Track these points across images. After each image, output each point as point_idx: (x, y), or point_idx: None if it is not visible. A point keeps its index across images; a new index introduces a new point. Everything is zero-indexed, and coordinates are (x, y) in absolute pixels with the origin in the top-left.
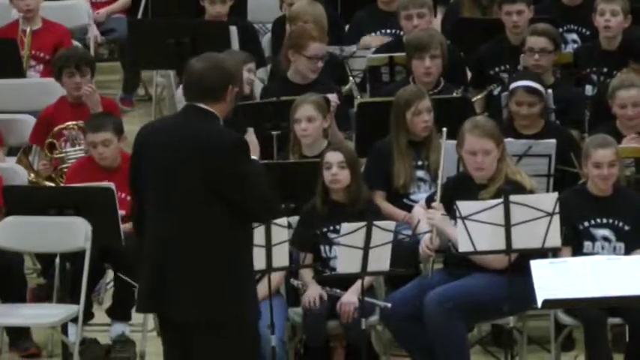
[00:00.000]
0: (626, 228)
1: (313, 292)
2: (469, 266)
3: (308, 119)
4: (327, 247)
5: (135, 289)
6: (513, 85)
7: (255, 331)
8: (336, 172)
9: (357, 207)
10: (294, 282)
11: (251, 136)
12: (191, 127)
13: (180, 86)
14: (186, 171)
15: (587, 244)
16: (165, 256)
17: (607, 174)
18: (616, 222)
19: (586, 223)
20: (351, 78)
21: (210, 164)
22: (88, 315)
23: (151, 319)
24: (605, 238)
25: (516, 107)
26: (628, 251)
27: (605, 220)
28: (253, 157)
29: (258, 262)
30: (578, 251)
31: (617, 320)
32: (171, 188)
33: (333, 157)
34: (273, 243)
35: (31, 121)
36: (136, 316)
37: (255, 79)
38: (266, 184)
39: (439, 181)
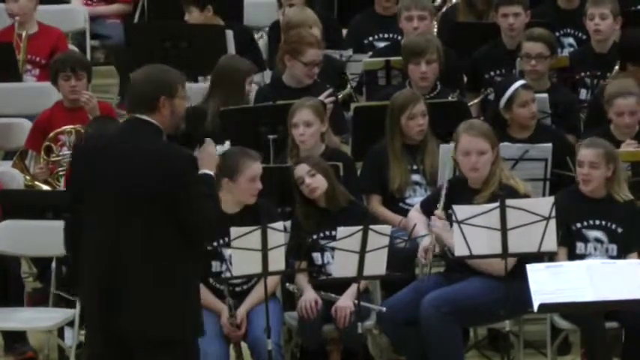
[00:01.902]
0: (619, 230)
1: (309, 297)
2: (468, 271)
3: (306, 124)
4: (321, 255)
5: None
6: (510, 90)
7: (197, 348)
8: (310, 182)
9: (338, 206)
10: (290, 286)
11: (209, 147)
12: (140, 143)
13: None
14: (137, 188)
15: (580, 245)
16: (114, 274)
17: (585, 173)
18: (609, 224)
19: (579, 225)
20: (349, 84)
21: (162, 183)
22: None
23: None
24: (598, 240)
25: (521, 108)
26: (620, 253)
27: (598, 222)
28: (208, 170)
29: (254, 266)
30: (570, 252)
31: (613, 324)
32: (120, 205)
33: (301, 170)
34: (269, 247)
35: (28, 125)
36: None
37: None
38: (212, 206)
39: (443, 192)
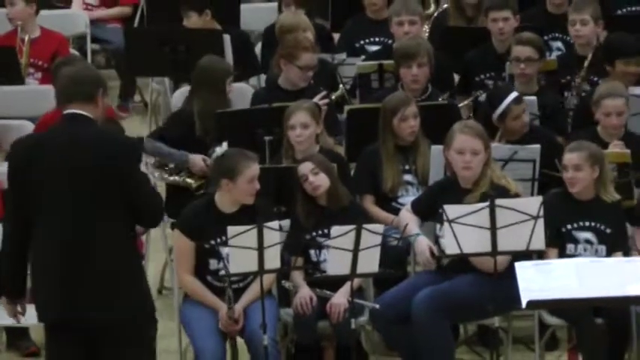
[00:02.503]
0: (608, 231)
1: (304, 294)
2: (459, 268)
3: (302, 126)
4: (317, 252)
5: None
6: (503, 105)
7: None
8: (313, 180)
9: (339, 205)
10: (286, 283)
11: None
12: (83, 134)
13: (176, 92)
14: (87, 177)
15: (570, 246)
16: (73, 263)
17: (570, 176)
18: (598, 225)
19: (569, 226)
20: (341, 85)
21: (112, 169)
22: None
23: None
24: (588, 241)
25: (514, 121)
26: (609, 253)
27: (587, 224)
28: None
29: (251, 264)
30: (561, 253)
31: (599, 320)
32: (74, 196)
33: (305, 167)
34: (265, 246)
35: (30, 126)
36: None
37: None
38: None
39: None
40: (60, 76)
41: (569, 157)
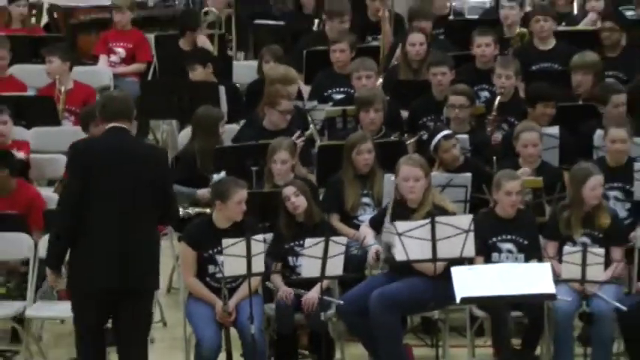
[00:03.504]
0: (525, 242)
1: (284, 290)
2: (406, 271)
3: (282, 162)
4: (294, 258)
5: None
6: (435, 140)
7: None
8: (294, 201)
9: (313, 221)
10: (269, 284)
11: None
12: (130, 142)
13: (181, 132)
14: (136, 175)
15: (495, 254)
16: (125, 247)
17: (515, 200)
18: (517, 238)
19: (494, 239)
20: (312, 126)
21: (157, 170)
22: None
23: (157, 313)
24: (509, 251)
25: (444, 154)
26: (527, 260)
27: (508, 236)
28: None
29: (241, 269)
30: (487, 260)
31: (518, 313)
32: (130, 191)
33: (288, 190)
34: (252, 254)
35: (64, 159)
36: None
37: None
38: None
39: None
40: (108, 97)
41: (514, 185)
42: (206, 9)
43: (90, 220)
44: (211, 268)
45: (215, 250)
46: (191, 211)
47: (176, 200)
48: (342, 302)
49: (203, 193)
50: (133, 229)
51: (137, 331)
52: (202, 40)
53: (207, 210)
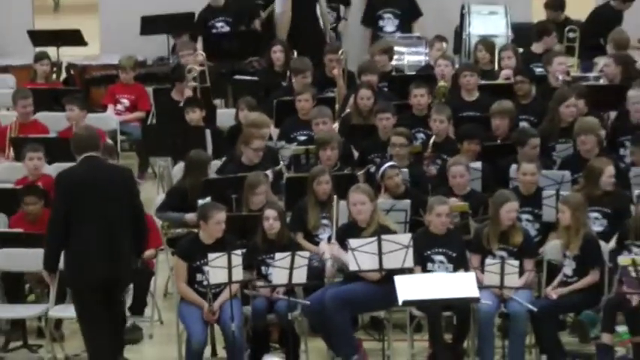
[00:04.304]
0: (454, 255)
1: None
2: (357, 279)
3: (260, 193)
4: (267, 268)
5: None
6: (381, 170)
7: None
8: (272, 223)
9: (283, 242)
10: (246, 291)
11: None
12: (102, 166)
13: (175, 167)
14: (111, 191)
15: (429, 265)
16: (109, 247)
17: (445, 220)
18: (448, 251)
19: (428, 252)
20: (281, 162)
21: (129, 187)
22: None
23: (155, 314)
24: (441, 262)
25: (388, 180)
26: (455, 270)
27: (440, 250)
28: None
29: (223, 277)
30: (424, 270)
31: (449, 313)
32: (106, 203)
33: (271, 213)
34: (232, 265)
35: None
36: (147, 310)
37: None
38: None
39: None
40: (77, 135)
41: (443, 208)
42: (189, 66)
43: (79, 228)
44: (199, 277)
45: (202, 262)
46: (181, 231)
47: (143, 210)
48: (308, 302)
49: (191, 217)
50: (112, 233)
51: (118, 315)
52: (187, 93)
53: (195, 230)
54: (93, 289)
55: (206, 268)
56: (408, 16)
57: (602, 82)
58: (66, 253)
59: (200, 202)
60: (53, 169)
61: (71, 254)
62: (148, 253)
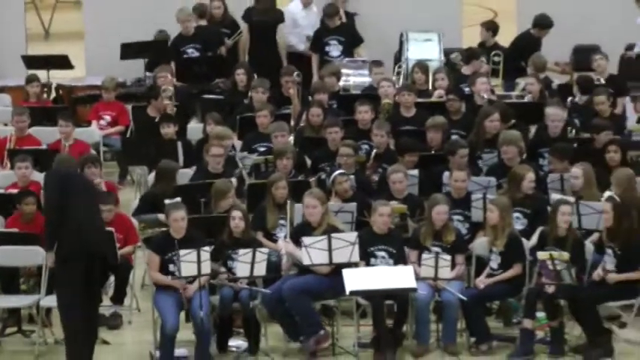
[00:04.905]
0: (394, 251)
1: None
2: (310, 272)
3: (230, 197)
4: (232, 262)
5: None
6: (331, 178)
7: None
8: (238, 223)
9: (246, 239)
10: (213, 281)
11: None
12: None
13: (150, 174)
14: (86, 191)
15: (373, 260)
16: (92, 224)
17: (386, 220)
18: (389, 248)
19: (372, 248)
20: (243, 170)
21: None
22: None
23: (134, 302)
24: (383, 257)
25: (338, 186)
26: (395, 264)
27: (382, 247)
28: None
29: (193, 270)
30: (367, 264)
31: (390, 301)
32: (85, 195)
33: (237, 214)
34: (201, 260)
35: None
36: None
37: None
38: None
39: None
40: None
41: (384, 210)
42: (164, 87)
43: (69, 212)
44: (171, 267)
45: (172, 255)
46: (152, 232)
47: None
48: (268, 291)
49: (163, 216)
50: (93, 217)
51: (95, 295)
52: (170, 109)
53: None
54: (81, 262)
55: (178, 263)
56: (351, 43)
57: (526, 99)
58: (62, 231)
59: (167, 201)
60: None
61: (66, 231)
62: (127, 249)
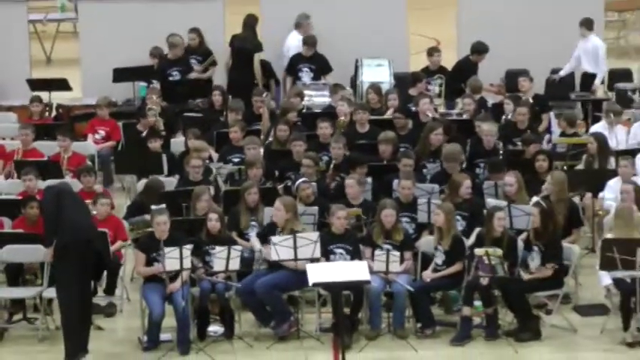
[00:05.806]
0: (351, 249)
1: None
2: (279, 267)
3: (206, 202)
4: (209, 257)
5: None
6: (296, 184)
7: None
8: (215, 224)
9: (222, 238)
10: (193, 275)
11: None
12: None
13: (139, 183)
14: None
15: (332, 256)
16: (84, 220)
17: (343, 222)
18: (346, 245)
19: (332, 246)
20: (219, 178)
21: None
22: (94, 292)
23: (124, 293)
24: (341, 254)
25: (301, 192)
26: (352, 259)
27: (340, 245)
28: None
29: (176, 265)
30: (327, 260)
31: (347, 292)
32: (76, 200)
33: (213, 215)
34: (183, 257)
35: None
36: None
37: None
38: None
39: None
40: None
41: (341, 213)
42: (150, 106)
43: (63, 213)
44: (155, 264)
45: (156, 253)
46: (141, 232)
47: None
48: (240, 285)
49: (149, 217)
50: (84, 215)
51: (88, 283)
52: (159, 126)
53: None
54: (76, 248)
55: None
56: (321, 70)
57: (465, 116)
58: (59, 225)
59: (153, 207)
60: (46, 186)
61: (61, 228)
62: (117, 245)
